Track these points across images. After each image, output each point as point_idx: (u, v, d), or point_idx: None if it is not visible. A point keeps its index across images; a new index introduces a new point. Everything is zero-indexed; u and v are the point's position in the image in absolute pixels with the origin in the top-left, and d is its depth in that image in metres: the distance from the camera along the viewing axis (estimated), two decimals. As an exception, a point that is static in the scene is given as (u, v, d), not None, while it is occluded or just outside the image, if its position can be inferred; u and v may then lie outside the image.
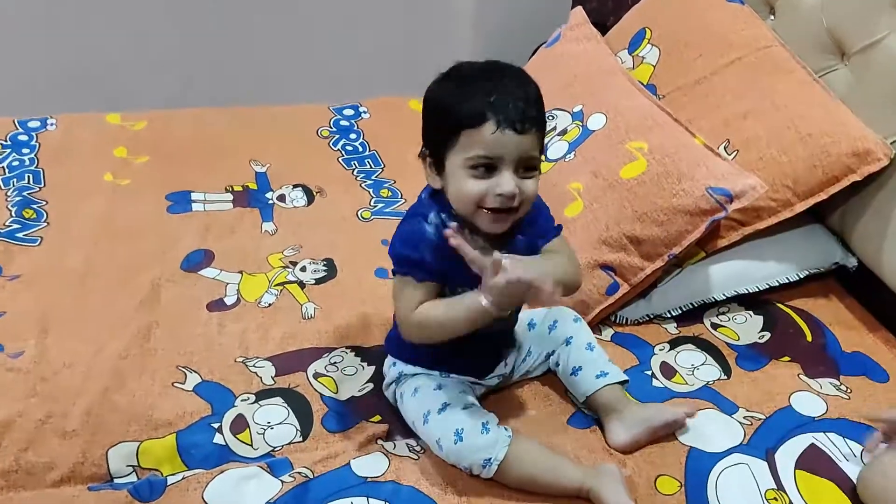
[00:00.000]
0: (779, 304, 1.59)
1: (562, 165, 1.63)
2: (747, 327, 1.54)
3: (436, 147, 1.16)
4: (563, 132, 1.70)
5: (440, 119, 1.15)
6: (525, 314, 1.40)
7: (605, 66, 1.80)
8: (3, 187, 1.78)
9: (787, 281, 1.56)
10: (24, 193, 1.75)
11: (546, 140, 1.68)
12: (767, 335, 1.52)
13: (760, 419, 1.33)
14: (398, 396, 1.29)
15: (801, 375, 1.43)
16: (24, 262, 1.58)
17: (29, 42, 2.44)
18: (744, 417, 1.33)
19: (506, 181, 1.11)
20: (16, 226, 1.66)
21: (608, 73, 1.77)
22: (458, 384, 1.27)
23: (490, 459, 1.15)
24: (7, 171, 1.83)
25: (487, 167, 1.12)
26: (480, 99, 1.11)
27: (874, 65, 1.52)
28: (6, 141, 1.91)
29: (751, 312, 1.57)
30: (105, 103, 2.12)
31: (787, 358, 1.47)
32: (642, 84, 1.79)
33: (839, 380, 1.43)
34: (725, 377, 1.42)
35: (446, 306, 1.16)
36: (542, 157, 1.19)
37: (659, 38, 1.85)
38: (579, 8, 2.00)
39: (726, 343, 1.50)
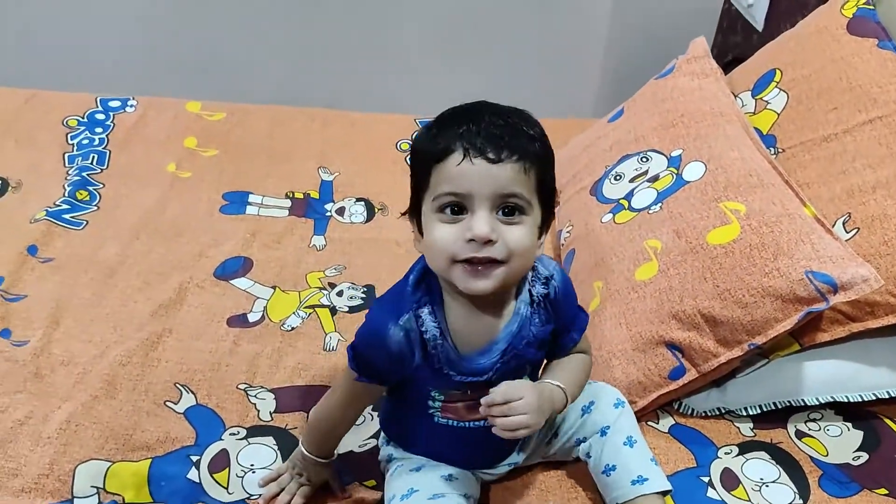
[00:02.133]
0: (887, 420, 1.30)
1: (644, 217, 1.41)
2: (841, 442, 1.26)
3: (415, 200, 0.97)
4: (654, 178, 1.47)
5: (414, 164, 0.97)
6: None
7: (718, 107, 1.55)
8: (67, 165, 1.75)
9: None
10: (84, 174, 1.71)
11: (633, 185, 1.50)
12: (865, 457, 1.24)
13: (834, 566, 1.07)
14: (385, 472, 1.13)
15: (897, 516, 1.15)
16: (61, 245, 1.53)
17: (138, 23, 2.44)
18: (812, 560, 1.08)
19: (477, 222, 0.89)
20: (65, 206, 1.62)
21: (720, 116, 1.53)
22: (447, 467, 1.08)
23: None
24: (76, 148, 1.80)
25: (457, 207, 0.91)
26: (452, 131, 0.91)
27: None
28: (83, 118, 1.89)
29: (849, 425, 1.29)
30: (191, 90, 2.07)
31: (884, 491, 1.19)
32: (760, 133, 1.53)
33: (947, 530, 1.14)
34: (801, 502, 1.16)
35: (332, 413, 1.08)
36: (553, 208, 0.99)
37: (790, 82, 1.58)
38: (702, 38, 1.76)
39: (810, 458, 1.23)
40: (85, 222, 1.59)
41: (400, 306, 0.97)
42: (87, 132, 1.84)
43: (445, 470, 1.08)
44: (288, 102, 2.08)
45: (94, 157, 1.77)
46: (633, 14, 2.53)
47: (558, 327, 1.05)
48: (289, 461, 1.13)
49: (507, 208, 0.91)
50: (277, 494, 1.10)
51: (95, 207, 1.64)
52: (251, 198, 1.71)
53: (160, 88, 2.08)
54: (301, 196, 1.73)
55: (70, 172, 1.72)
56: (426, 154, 0.93)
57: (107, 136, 1.84)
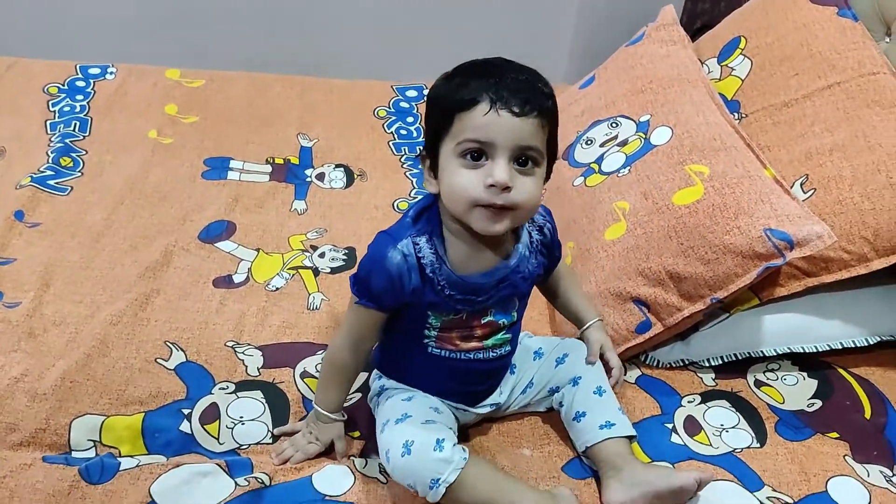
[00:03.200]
0: (840, 370, 1.39)
1: (613, 180, 1.47)
2: (797, 391, 1.35)
3: (432, 143, 1.04)
4: (624, 143, 1.53)
5: (435, 110, 1.04)
6: (532, 341, 1.27)
7: (685, 74, 1.61)
8: (49, 132, 1.77)
9: (853, 345, 1.36)
10: (67, 140, 1.74)
11: (603, 149, 1.56)
12: (818, 403, 1.33)
13: (787, 503, 1.15)
14: (375, 407, 1.19)
15: (847, 457, 1.23)
16: (47, 210, 1.56)
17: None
18: (767, 497, 1.15)
19: (499, 171, 0.97)
20: (49, 172, 1.65)
21: (687, 82, 1.59)
22: (433, 401, 1.15)
23: (438, 481, 1.02)
24: (58, 115, 1.82)
25: (478, 153, 0.99)
26: (478, 82, 0.99)
27: None
28: (63, 85, 1.91)
29: (804, 374, 1.38)
30: (172, 58, 2.08)
31: (835, 434, 1.27)
32: (725, 98, 1.60)
33: (893, 469, 1.22)
34: (758, 445, 1.24)
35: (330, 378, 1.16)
36: (553, 163, 1.06)
37: (754, 49, 1.64)
38: (670, 6, 1.81)
39: (768, 405, 1.32)
40: (70, 188, 1.62)
41: (399, 234, 1.06)
42: (67, 99, 1.86)
43: (433, 403, 1.15)
44: (266, 69, 2.11)
45: (75, 123, 1.79)
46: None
47: (550, 262, 1.19)
48: (303, 423, 1.18)
49: (523, 159, 1.00)
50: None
51: (79, 174, 1.67)
52: (232, 163, 1.75)
53: (139, 56, 2.09)
54: (281, 162, 1.77)
55: (53, 139, 1.74)
56: (451, 101, 1.00)
57: (88, 103, 1.86)
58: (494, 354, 1.16)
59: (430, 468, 1.03)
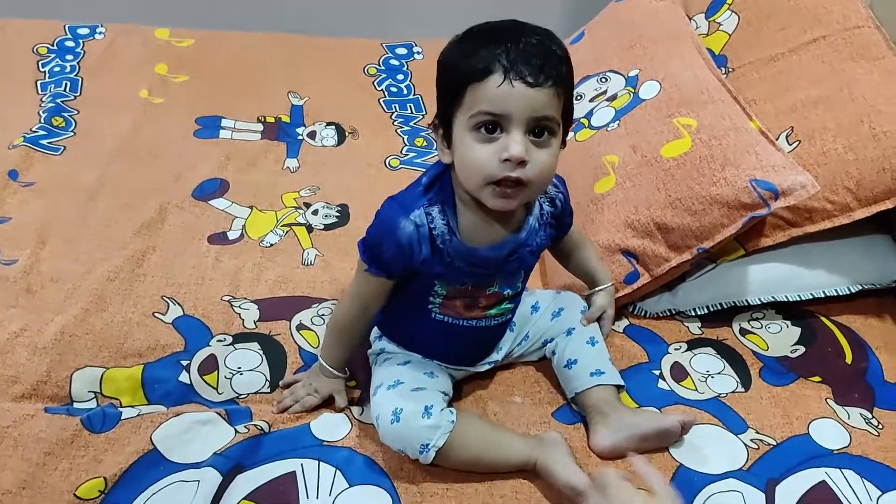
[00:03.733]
0: (822, 318, 1.42)
1: (603, 134, 1.49)
2: (780, 338, 1.38)
3: (445, 113, 1.01)
4: (613, 97, 1.55)
5: (447, 79, 1.00)
6: (530, 297, 1.29)
7: (673, 29, 1.63)
8: (40, 92, 1.78)
9: (835, 293, 1.39)
10: (58, 101, 1.74)
11: (593, 104, 1.57)
12: (802, 350, 1.36)
13: (770, 444, 1.19)
14: (373, 364, 1.22)
15: (829, 400, 1.27)
16: (41, 170, 1.57)
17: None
18: (751, 440, 1.19)
19: (515, 144, 0.95)
20: (42, 132, 1.65)
21: (675, 37, 1.60)
22: (429, 364, 1.18)
23: (427, 446, 1.05)
24: (48, 76, 1.82)
25: (492, 126, 0.96)
26: (489, 51, 0.95)
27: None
28: (53, 46, 1.90)
29: (788, 322, 1.41)
30: (161, 17, 2.08)
31: (817, 378, 1.31)
32: (713, 53, 1.61)
33: (872, 412, 1.26)
34: (742, 390, 1.28)
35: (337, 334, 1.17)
36: (569, 129, 1.05)
37: (741, 3, 1.65)
38: (659, -38, 1.82)
39: (752, 352, 1.35)
40: (63, 148, 1.63)
41: (412, 203, 1.04)
42: (57, 59, 1.87)
43: (428, 367, 1.18)
44: (256, 28, 2.10)
45: (66, 84, 1.80)
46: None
47: (560, 230, 1.19)
48: (304, 375, 1.21)
49: (539, 129, 0.97)
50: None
51: (72, 133, 1.68)
52: (224, 122, 1.76)
53: (127, 15, 2.09)
54: (273, 120, 1.78)
55: (44, 100, 1.75)
56: (463, 72, 0.96)
57: (78, 63, 1.87)
58: (496, 322, 1.18)
59: (418, 435, 1.06)
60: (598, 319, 1.27)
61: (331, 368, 1.17)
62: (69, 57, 1.88)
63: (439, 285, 1.11)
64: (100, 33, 1.96)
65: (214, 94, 1.82)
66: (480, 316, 1.15)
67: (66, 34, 1.95)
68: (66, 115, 1.71)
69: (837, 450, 1.19)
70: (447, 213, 1.05)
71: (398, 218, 1.03)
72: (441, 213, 1.04)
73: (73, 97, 1.77)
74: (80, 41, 1.93)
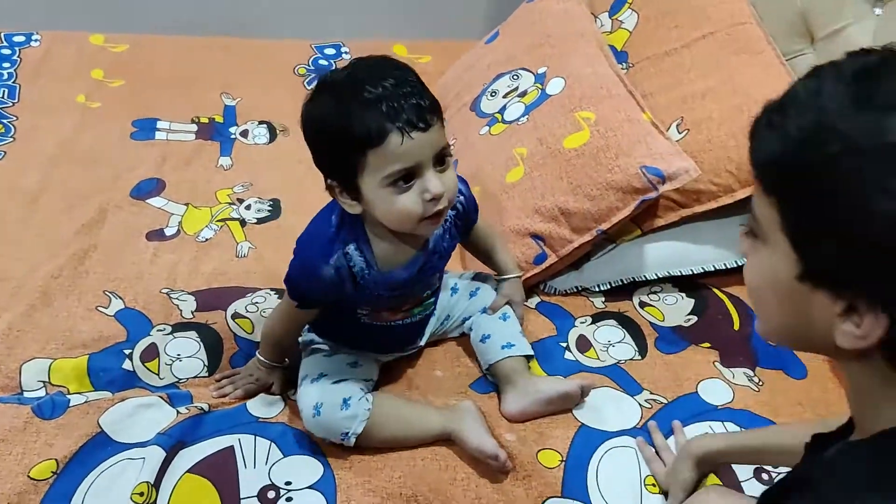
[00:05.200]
0: (714, 290, 1.57)
1: (514, 128, 1.62)
2: (675, 309, 1.53)
3: (342, 174, 1.08)
4: (523, 94, 1.67)
5: (337, 145, 1.05)
6: (449, 279, 1.41)
7: (578, 28, 1.76)
8: (-23, 100, 1.84)
9: (723, 267, 1.54)
10: (-4, 107, 1.81)
11: (506, 100, 1.69)
12: (694, 319, 1.51)
13: (662, 403, 1.33)
14: (302, 353, 1.32)
15: (716, 363, 1.42)
16: (-19, 175, 1.64)
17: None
18: (645, 400, 1.33)
19: (432, 183, 1.05)
20: (-19, 139, 1.73)
21: (580, 36, 1.73)
22: (353, 354, 1.28)
23: (347, 433, 1.17)
24: (-15, 83, 1.89)
25: (407, 176, 1.05)
26: (373, 112, 1.01)
27: (836, 54, 1.45)
28: (-12, 54, 1.97)
29: (683, 295, 1.56)
30: (93, 23, 2.14)
31: (707, 344, 1.46)
32: (615, 50, 1.75)
33: (754, 371, 1.41)
34: (639, 357, 1.42)
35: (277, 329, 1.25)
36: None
37: (641, 3, 1.79)
38: (565, -35, 1.95)
39: (650, 323, 1.49)
40: (3, 153, 1.70)
41: (329, 248, 1.12)
42: (-6, 67, 1.93)
43: (352, 358, 1.28)
44: (188, 32, 2.18)
45: (4, 91, 1.86)
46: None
47: (466, 227, 1.29)
48: (245, 367, 1.30)
49: (440, 158, 1.07)
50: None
51: (11, 139, 1.74)
52: (159, 124, 1.84)
53: (62, 22, 2.14)
54: (206, 121, 1.87)
55: (-18, 107, 1.81)
56: (357, 138, 1.01)
57: (15, 70, 1.93)
58: (420, 316, 1.30)
59: (338, 425, 1.17)
60: (509, 304, 1.39)
61: (269, 361, 1.27)
62: (6, 64, 1.94)
63: (364, 308, 1.22)
64: (35, 40, 2.03)
65: (149, 97, 1.90)
66: (406, 316, 1.27)
67: (3, 42, 2.00)
68: (4, 121, 1.78)
69: (721, 405, 1.33)
70: (363, 249, 1.14)
71: (318, 266, 1.12)
72: (357, 250, 1.13)
73: (11, 104, 1.83)
74: (16, 49, 1.99)
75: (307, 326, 1.32)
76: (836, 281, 0.64)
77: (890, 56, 0.63)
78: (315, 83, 1.11)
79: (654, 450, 1.24)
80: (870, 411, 0.70)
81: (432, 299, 1.30)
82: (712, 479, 1.17)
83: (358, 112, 1.02)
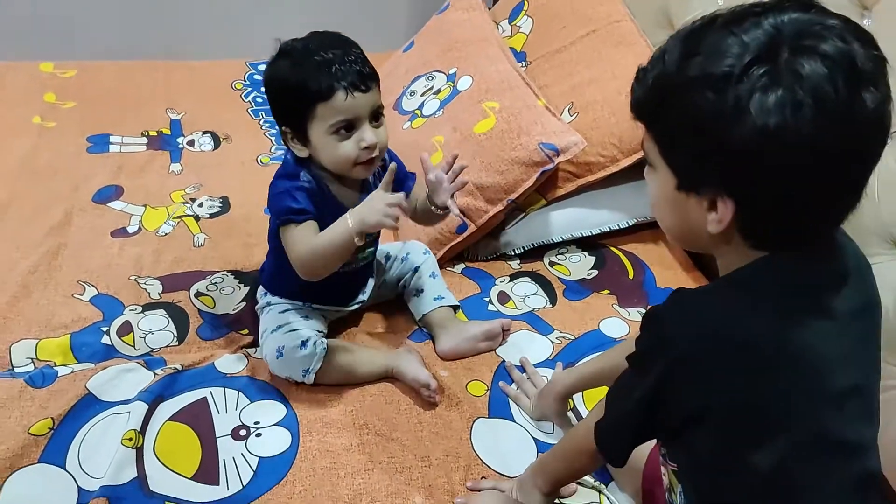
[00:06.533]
0: (612, 248, 1.83)
1: (432, 121, 1.86)
2: (580, 266, 1.78)
3: (294, 122, 1.33)
4: (438, 91, 1.92)
5: (292, 98, 1.31)
6: (383, 248, 1.63)
7: (481, 34, 2.01)
8: (-61, 126, 1.99)
9: (617, 227, 1.80)
10: (-43, 132, 1.97)
11: (423, 98, 1.94)
12: (596, 272, 1.77)
13: (570, 338, 1.57)
14: (260, 315, 1.52)
15: (615, 305, 1.67)
16: (-49, 193, 1.80)
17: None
18: (556, 338, 1.58)
19: (368, 134, 1.31)
20: (-53, 160, 1.88)
21: (483, 40, 1.99)
22: (303, 310, 1.47)
23: (308, 370, 1.38)
24: (-57, 111, 2.04)
25: (347, 126, 1.30)
26: (324, 73, 1.27)
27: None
28: (-57, 84, 2.12)
29: (586, 253, 1.81)
30: (42, 53, 2.31)
31: (606, 291, 1.71)
32: (515, 51, 2.01)
33: (646, 308, 1.67)
34: (551, 305, 1.67)
35: (321, 236, 1.33)
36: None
37: (534, 9, 2.06)
38: (467, -21, 2.21)
39: (559, 278, 1.74)
40: (-32, 172, 1.86)
41: (295, 171, 1.36)
42: (-50, 96, 2.08)
43: (303, 312, 1.47)
44: (131, 56, 2.37)
45: (-38, 117, 2.02)
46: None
47: (397, 184, 1.45)
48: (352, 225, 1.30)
49: (375, 115, 1.33)
50: None
51: (-25, 159, 1.91)
52: (112, 138, 2.03)
53: (13, 53, 2.30)
54: (155, 133, 2.06)
55: (-57, 133, 1.97)
56: (311, 92, 1.27)
57: (-29, 98, 2.09)
58: (362, 264, 1.51)
59: (298, 363, 1.38)
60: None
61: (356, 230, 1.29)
62: (-38, 93, 2.10)
63: None
64: (-12, 70, 2.19)
65: (101, 116, 2.09)
66: (350, 262, 1.45)
67: (-44, 73, 2.17)
68: (-34, 144, 1.94)
69: (619, 337, 1.58)
70: (319, 181, 1.37)
71: (294, 181, 1.35)
72: (315, 179, 1.37)
73: (-30, 128, 2.00)
74: (-29, 78, 2.16)
75: (262, 290, 1.51)
76: (698, 184, 0.83)
77: (708, 19, 0.84)
78: (277, 50, 1.34)
79: (516, 389, 1.44)
80: None
81: (371, 249, 1.51)
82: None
83: (312, 72, 1.28)
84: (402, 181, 1.51)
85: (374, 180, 1.46)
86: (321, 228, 1.36)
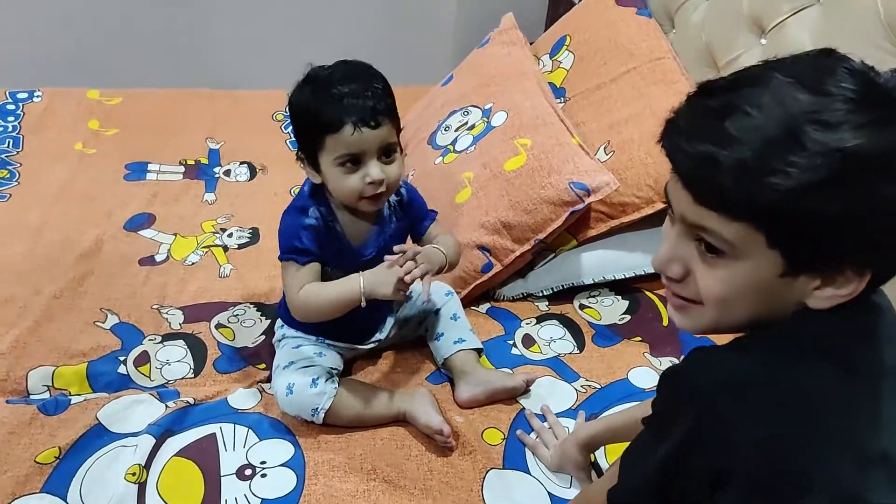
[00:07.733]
0: (647, 292, 1.76)
1: (464, 156, 1.82)
2: (611, 310, 1.71)
3: (308, 150, 1.33)
4: (472, 127, 1.88)
5: (306, 126, 1.32)
6: (408, 289, 1.59)
7: (520, 69, 1.98)
8: (-15, 150, 2.05)
9: (653, 271, 1.73)
10: (2, 156, 2.01)
11: (457, 133, 1.91)
12: (628, 317, 1.69)
13: (596, 387, 1.50)
14: (276, 348, 1.50)
15: (646, 353, 1.60)
16: (-10, 214, 1.84)
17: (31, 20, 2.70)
18: (581, 385, 1.51)
19: (373, 170, 1.29)
20: (-10, 184, 1.93)
21: (521, 75, 1.95)
22: (318, 346, 1.45)
23: (317, 409, 1.34)
24: (-8, 136, 2.10)
25: (353, 161, 1.29)
26: (336, 105, 1.26)
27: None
28: (-5, 110, 2.18)
29: (618, 297, 1.74)
30: (92, 80, 2.37)
31: (638, 338, 1.64)
32: (554, 86, 1.97)
33: (680, 358, 1.59)
34: (578, 351, 1.60)
35: (328, 287, 1.33)
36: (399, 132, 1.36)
37: (576, 45, 2.02)
38: (510, 14, 2.18)
39: (588, 322, 1.68)
40: (9, 195, 1.90)
41: (307, 205, 1.35)
42: (0, 121, 2.14)
43: (318, 348, 1.45)
44: (175, 85, 2.40)
45: (9, 141, 2.07)
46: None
47: (413, 221, 1.47)
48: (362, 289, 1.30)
49: (386, 152, 1.31)
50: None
51: (16, 183, 1.94)
52: (150, 166, 2.05)
53: (62, 80, 2.37)
54: (193, 162, 2.08)
55: (-11, 156, 2.02)
56: (322, 124, 1.27)
57: (19, 123, 2.14)
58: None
59: (308, 401, 1.35)
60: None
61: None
62: (10, 118, 2.16)
63: (333, 270, 1.38)
64: (37, 96, 2.25)
65: (141, 143, 2.11)
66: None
67: (7, 98, 2.22)
68: (10, 168, 1.98)
69: (649, 388, 1.51)
70: (331, 214, 1.36)
71: (301, 217, 1.34)
72: (328, 212, 1.36)
73: (15, 153, 2.04)
74: (20, 104, 2.21)
75: (280, 322, 1.49)
76: (821, 264, 0.74)
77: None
78: (304, 74, 1.33)
79: (534, 437, 1.38)
80: None
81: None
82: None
83: (325, 104, 1.27)
84: (421, 219, 1.48)
85: (390, 214, 1.43)
86: (325, 263, 1.35)
